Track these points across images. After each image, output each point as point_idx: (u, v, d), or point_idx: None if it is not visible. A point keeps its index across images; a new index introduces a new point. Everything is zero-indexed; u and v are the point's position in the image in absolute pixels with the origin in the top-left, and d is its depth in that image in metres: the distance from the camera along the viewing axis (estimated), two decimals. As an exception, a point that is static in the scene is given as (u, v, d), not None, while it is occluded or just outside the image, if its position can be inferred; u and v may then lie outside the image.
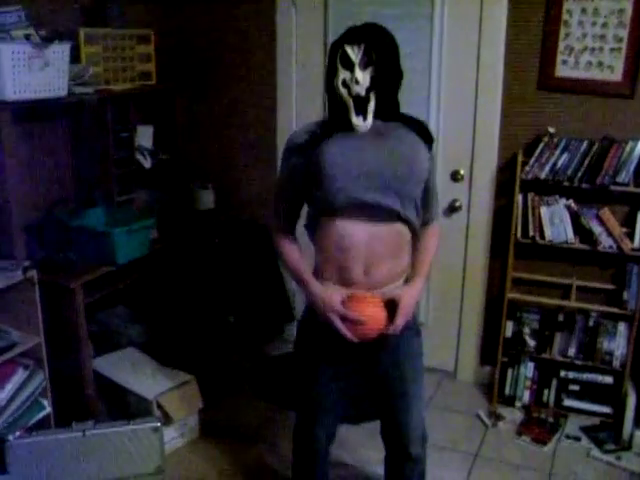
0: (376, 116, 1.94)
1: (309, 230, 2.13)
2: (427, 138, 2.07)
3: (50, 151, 3.26)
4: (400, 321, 1.99)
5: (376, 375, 2.18)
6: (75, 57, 3.11)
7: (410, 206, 2.02)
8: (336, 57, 1.92)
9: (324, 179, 1.94)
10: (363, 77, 1.88)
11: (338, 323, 1.96)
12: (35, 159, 3.17)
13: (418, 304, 2.14)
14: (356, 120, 1.90)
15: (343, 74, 1.90)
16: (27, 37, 2.85)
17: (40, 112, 3.05)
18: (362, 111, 1.90)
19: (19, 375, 2.74)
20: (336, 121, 1.98)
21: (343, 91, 1.91)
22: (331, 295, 1.99)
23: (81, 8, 3.33)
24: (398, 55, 1.96)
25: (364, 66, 1.88)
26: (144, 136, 3.70)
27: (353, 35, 1.91)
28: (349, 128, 1.94)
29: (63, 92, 2.96)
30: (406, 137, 2.01)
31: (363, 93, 1.89)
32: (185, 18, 3.93)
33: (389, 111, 1.99)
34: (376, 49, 1.88)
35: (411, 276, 2.11)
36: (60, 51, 2.89)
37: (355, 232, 1.97)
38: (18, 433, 2.68)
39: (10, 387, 2.70)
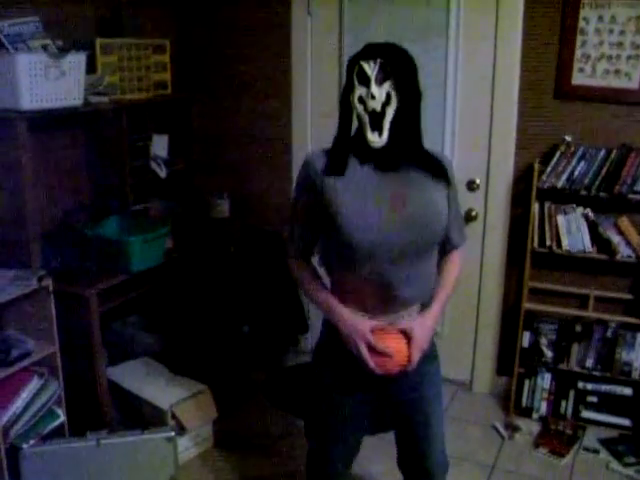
0: (395, 145, 1.89)
1: (324, 264, 2.08)
2: (447, 179, 2.02)
3: (66, 160, 3.28)
4: (416, 357, 1.95)
5: (396, 402, 2.11)
6: (91, 67, 3.14)
7: (428, 258, 2.00)
8: (353, 73, 1.91)
9: (341, 238, 1.89)
10: (379, 92, 1.86)
11: (365, 353, 1.92)
12: (51, 168, 3.19)
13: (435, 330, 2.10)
14: (371, 136, 1.88)
15: (359, 90, 1.89)
16: (44, 47, 2.88)
17: (56, 121, 3.06)
18: (378, 127, 1.88)
19: (34, 384, 2.74)
20: (349, 140, 1.96)
21: (359, 107, 1.89)
22: (362, 322, 1.94)
23: (97, 18, 3.35)
24: (416, 75, 1.94)
25: (380, 81, 1.87)
26: (159, 145, 3.71)
27: (370, 51, 1.90)
28: (365, 150, 1.91)
29: (79, 101, 2.97)
30: (428, 190, 1.95)
31: (379, 108, 1.87)
32: (201, 28, 3.96)
33: (408, 136, 1.93)
34: (392, 65, 1.87)
35: (428, 304, 2.06)
36: (76, 61, 2.91)
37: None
38: (32, 442, 2.68)
39: (25, 396, 2.70)
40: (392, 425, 2.19)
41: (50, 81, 2.79)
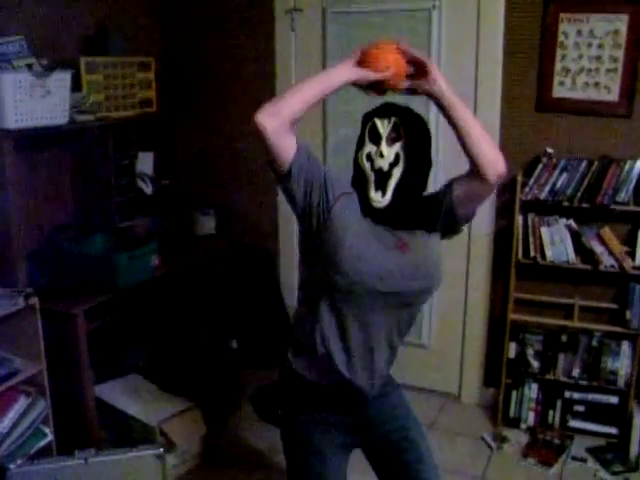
0: (397, 208, 1.84)
1: (302, 293, 2.01)
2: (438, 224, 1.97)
3: (52, 178, 3.28)
4: (435, 70, 1.81)
5: (377, 438, 2.04)
6: (76, 85, 3.15)
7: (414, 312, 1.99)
8: (365, 129, 1.89)
9: (341, 266, 1.79)
10: (388, 152, 1.82)
11: (363, 70, 1.77)
12: (37, 186, 3.19)
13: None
14: (374, 195, 1.83)
15: (369, 147, 1.86)
16: (29, 66, 2.89)
17: (41, 140, 3.07)
18: (382, 187, 1.83)
19: (21, 403, 2.72)
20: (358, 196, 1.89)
21: (366, 164, 1.85)
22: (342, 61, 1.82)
23: (82, 37, 3.37)
24: (429, 143, 1.92)
25: (391, 141, 1.84)
26: (145, 163, 3.72)
27: (386, 109, 1.87)
28: (366, 206, 1.85)
29: (64, 120, 2.99)
30: (427, 239, 1.92)
31: (386, 168, 1.83)
32: (185, 45, 3.98)
33: (411, 200, 1.88)
34: (406, 126, 1.84)
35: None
36: (61, 80, 2.93)
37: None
38: (19, 462, 2.65)
39: (12, 415, 2.68)
40: (378, 463, 2.09)
41: (35, 100, 2.81)
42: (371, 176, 1.85)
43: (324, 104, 3.69)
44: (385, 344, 1.93)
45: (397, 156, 1.83)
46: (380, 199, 1.83)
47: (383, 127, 1.85)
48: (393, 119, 1.84)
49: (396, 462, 2.04)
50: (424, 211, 1.93)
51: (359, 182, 1.89)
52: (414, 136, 1.85)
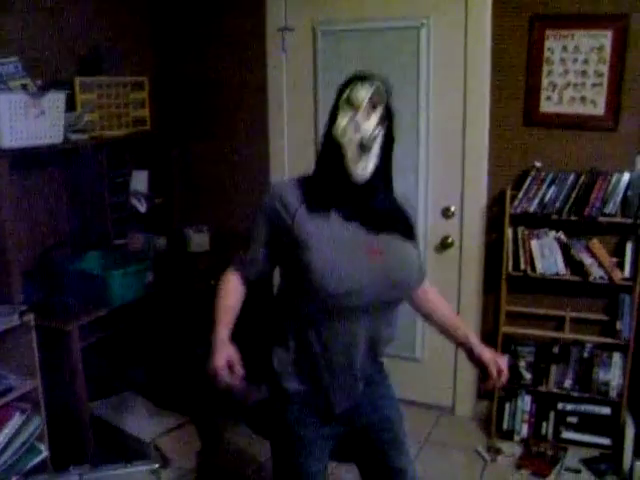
0: (374, 182, 1.83)
1: (279, 304, 2.08)
2: (414, 236, 1.98)
3: (46, 196, 3.31)
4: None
5: (360, 428, 2.05)
6: (71, 105, 3.19)
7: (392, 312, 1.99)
8: (340, 99, 1.82)
9: (311, 285, 1.79)
10: (369, 122, 1.78)
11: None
12: (32, 204, 3.22)
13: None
14: (354, 168, 1.78)
15: (347, 118, 1.80)
16: (24, 87, 2.93)
17: (36, 159, 3.10)
18: (363, 158, 1.78)
19: (16, 419, 2.73)
20: (327, 177, 1.85)
21: (346, 136, 1.79)
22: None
23: (76, 57, 3.41)
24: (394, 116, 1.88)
25: (372, 109, 1.79)
26: (139, 181, 3.75)
27: (365, 74, 1.83)
28: (342, 188, 1.82)
29: (59, 139, 3.02)
30: (402, 242, 1.90)
31: (368, 134, 1.78)
32: (179, 65, 4.03)
33: (385, 175, 1.87)
34: (387, 90, 1.82)
35: (461, 337, 2.09)
36: (56, 100, 2.96)
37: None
38: (14, 478, 2.67)
39: (6, 432, 2.69)
40: (360, 453, 2.12)
41: (30, 120, 2.84)
42: (351, 148, 1.78)
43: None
44: (365, 344, 1.92)
45: (377, 125, 1.79)
46: (361, 172, 1.79)
47: (365, 91, 1.79)
48: (376, 83, 1.80)
49: (376, 451, 2.07)
50: (400, 213, 1.94)
51: (332, 161, 1.83)
52: (390, 103, 1.84)
